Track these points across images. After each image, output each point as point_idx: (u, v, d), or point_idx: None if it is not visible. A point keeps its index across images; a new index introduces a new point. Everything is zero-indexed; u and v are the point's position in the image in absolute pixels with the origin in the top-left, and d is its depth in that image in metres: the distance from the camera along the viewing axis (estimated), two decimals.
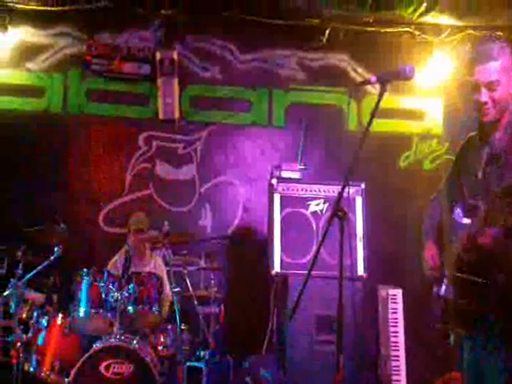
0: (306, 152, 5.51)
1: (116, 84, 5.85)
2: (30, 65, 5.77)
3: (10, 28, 5.58)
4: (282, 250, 4.69)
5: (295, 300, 2.72)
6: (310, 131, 5.83)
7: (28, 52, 5.75)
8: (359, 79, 6.11)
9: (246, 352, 5.01)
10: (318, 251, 2.80)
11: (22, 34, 5.71)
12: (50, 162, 5.66)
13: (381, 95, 2.55)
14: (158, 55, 5.76)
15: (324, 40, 5.97)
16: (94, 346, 4.12)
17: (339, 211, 2.60)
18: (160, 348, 4.48)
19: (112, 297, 4.28)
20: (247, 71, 6.06)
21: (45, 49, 5.78)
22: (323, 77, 6.12)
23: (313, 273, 2.69)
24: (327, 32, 5.92)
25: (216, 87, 6.01)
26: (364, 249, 4.77)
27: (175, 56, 5.77)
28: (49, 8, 5.64)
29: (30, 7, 5.63)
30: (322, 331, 4.50)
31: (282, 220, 4.77)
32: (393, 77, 2.57)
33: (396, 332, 5.05)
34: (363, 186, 4.91)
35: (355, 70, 6.16)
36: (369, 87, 5.76)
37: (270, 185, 4.89)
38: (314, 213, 4.80)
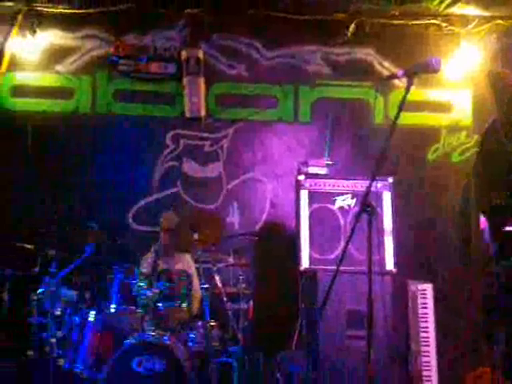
0: (332, 147, 5.49)
1: (143, 84, 5.90)
2: (58, 67, 5.86)
3: (38, 31, 5.68)
4: (310, 246, 4.68)
5: (325, 295, 2.73)
6: (337, 126, 5.80)
7: (56, 55, 5.83)
8: (386, 73, 6.05)
9: (276, 348, 5.02)
10: (346, 246, 2.80)
11: (50, 37, 5.80)
12: (79, 161, 5.75)
13: (408, 89, 2.54)
14: (184, 54, 5.80)
15: (349, 34, 5.94)
16: (126, 342, 4.18)
17: (367, 206, 2.59)
18: (190, 344, 4.52)
19: (143, 294, 4.34)
20: (273, 68, 6.06)
21: (73, 51, 5.87)
22: (349, 71, 6.08)
23: (341, 268, 2.69)
24: (352, 26, 5.89)
25: (242, 85, 6.03)
26: (392, 243, 4.73)
27: (201, 55, 5.81)
28: (75, 11, 5.73)
29: (58, 11, 5.73)
30: (352, 326, 4.47)
31: (310, 216, 4.76)
32: (419, 70, 2.56)
33: (426, 327, 5.01)
34: (391, 180, 4.86)
35: (381, 64, 6.10)
36: (395, 80, 5.71)
37: (297, 181, 4.88)
38: (342, 208, 4.78)
